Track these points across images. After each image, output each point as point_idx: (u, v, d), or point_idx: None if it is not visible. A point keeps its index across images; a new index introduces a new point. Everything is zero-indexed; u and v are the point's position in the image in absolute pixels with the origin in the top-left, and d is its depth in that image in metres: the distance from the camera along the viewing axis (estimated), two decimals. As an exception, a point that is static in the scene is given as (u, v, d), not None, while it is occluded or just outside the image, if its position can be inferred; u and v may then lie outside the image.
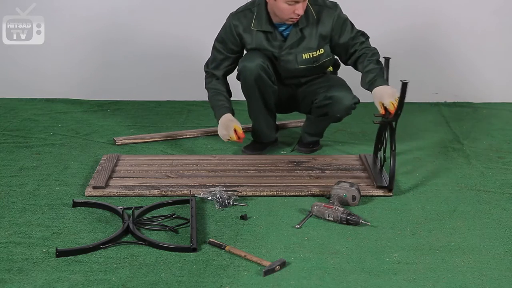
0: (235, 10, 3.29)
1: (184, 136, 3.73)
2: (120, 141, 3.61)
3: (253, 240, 2.54)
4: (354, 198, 2.84)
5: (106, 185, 2.98)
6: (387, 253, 2.45)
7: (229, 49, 3.28)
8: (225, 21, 3.29)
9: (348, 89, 3.27)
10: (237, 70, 3.29)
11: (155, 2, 4.28)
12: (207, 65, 3.34)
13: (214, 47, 3.32)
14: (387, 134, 3.07)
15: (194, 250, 2.44)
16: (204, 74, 3.35)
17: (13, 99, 4.37)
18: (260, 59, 3.17)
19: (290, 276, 2.30)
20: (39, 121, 3.98)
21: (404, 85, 2.78)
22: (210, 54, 3.34)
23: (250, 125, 3.50)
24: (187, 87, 4.43)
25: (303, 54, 3.21)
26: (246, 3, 3.29)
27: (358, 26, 3.22)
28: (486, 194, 3.01)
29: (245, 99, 3.35)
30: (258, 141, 3.50)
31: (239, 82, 3.30)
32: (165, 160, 3.32)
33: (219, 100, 3.28)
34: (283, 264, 2.35)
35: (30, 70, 4.38)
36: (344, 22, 3.18)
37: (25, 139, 3.65)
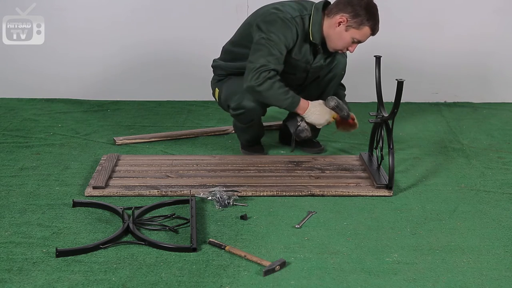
0: (281, 6, 3.06)
1: (184, 136, 3.73)
2: (120, 141, 3.61)
3: (253, 240, 2.54)
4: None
5: (106, 185, 2.98)
6: (387, 253, 2.45)
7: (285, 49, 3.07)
8: (274, 18, 3.02)
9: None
10: (239, 107, 3.17)
11: (155, 2, 4.28)
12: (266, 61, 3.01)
13: (273, 41, 3.00)
14: (383, 132, 3.08)
15: (194, 250, 2.44)
16: (262, 73, 2.99)
17: (13, 99, 4.37)
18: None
19: (290, 276, 2.30)
20: (39, 121, 3.98)
21: (400, 84, 2.80)
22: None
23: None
24: (187, 87, 4.43)
25: (327, 58, 3.22)
26: (295, 4, 3.11)
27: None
28: (486, 194, 3.01)
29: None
30: (253, 144, 3.48)
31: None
32: (165, 160, 3.32)
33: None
34: (283, 264, 2.35)
35: (30, 70, 4.38)
36: None
37: (25, 139, 3.65)
